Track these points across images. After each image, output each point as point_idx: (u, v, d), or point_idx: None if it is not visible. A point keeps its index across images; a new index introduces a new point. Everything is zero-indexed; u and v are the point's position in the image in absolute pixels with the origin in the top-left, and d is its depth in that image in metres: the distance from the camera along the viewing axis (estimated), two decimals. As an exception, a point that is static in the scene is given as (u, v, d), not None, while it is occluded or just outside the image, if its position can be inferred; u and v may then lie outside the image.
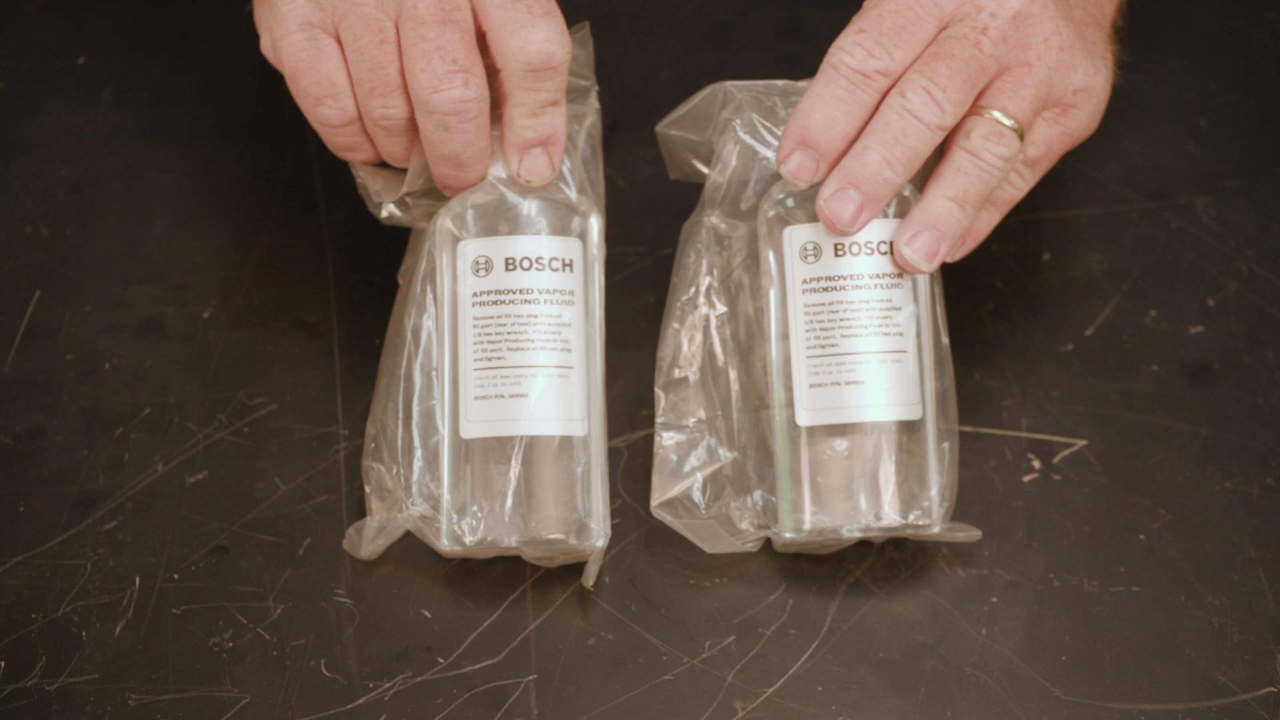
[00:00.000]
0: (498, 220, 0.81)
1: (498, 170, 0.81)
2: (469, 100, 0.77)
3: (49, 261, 0.92)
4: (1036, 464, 0.86)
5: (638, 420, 0.86)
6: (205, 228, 0.94)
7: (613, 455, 0.85)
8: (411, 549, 0.82)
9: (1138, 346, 0.90)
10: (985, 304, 0.91)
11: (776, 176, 0.82)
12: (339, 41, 0.79)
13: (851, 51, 0.78)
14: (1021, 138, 0.79)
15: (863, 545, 0.83)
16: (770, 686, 0.79)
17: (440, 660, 0.80)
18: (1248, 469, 0.86)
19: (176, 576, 0.82)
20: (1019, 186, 0.83)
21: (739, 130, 0.83)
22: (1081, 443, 0.86)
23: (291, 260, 0.92)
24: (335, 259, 0.92)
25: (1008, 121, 0.78)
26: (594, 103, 0.85)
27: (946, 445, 0.80)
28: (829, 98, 0.78)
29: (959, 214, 0.79)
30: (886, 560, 0.83)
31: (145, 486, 0.85)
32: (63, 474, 0.85)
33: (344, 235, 0.93)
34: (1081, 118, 0.82)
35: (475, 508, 0.79)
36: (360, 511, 0.83)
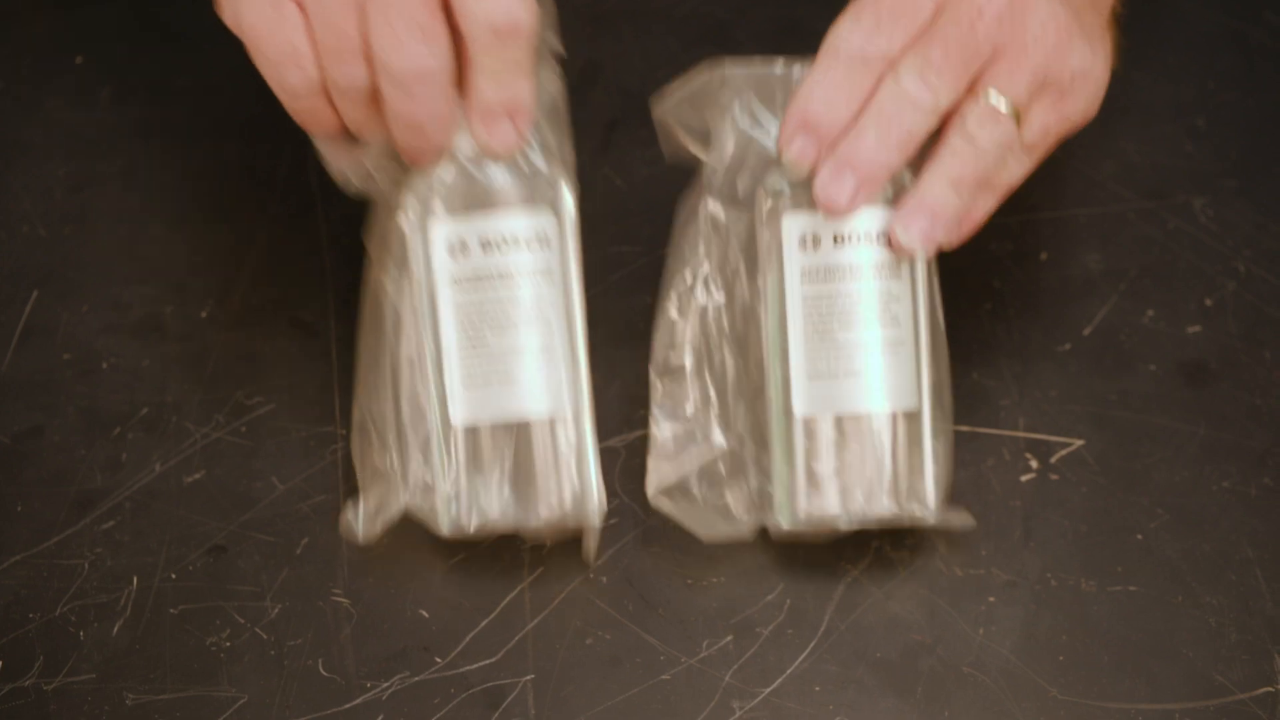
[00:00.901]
0: (468, 199, 0.80)
1: (464, 144, 0.80)
2: (431, 63, 0.76)
3: (47, 261, 0.92)
4: (1034, 464, 0.86)
5: (635, 420, 0.86)
6: (203, 227, 0.94)
7: (611, 455, 0.85)
8: (409, 548, 0.82)
9: (1135, 346, 0.90)
10: (983, 304, 0.91)
11: (775, 162, 0.82)
12: (302, 9, 0.78)
13: (849, 36, 0.78)
14: (1019, 121, 0.79)
15: (860, 543, 0.83)
16: (768, 686, 0.79)
17: (438, 660, 0.80)
18: (1245, 469, 0.86)
19: (174, 576, 0.82)
20: (1016, 171, 0.82)
21: (737, 114, 0.82)
22: (1079, 442, 0.86)
23: (289, 260, 0.92)
24: (333, 258, 0.92)
25: (1003, 105, 0.78)
26: (554, 65, 0.83)
27: (942, 435, 0.80)
28: (829, 82, 0.78)
29: (954, 197, 0.79)
30: (884, 559, 0.83)
31: (143, 486, 0.85)
32: (60, 474, 0.85)
33: (342, 235, 0.93)
34: (1080, 102, 0.81)
35: (469, 489, 0.79)
36: (358, 511, 0.83)
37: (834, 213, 0.78)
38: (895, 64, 0.78)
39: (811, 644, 0.80)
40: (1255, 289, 0.92)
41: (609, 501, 0.83)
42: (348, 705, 0.78)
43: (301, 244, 0.93)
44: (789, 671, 0.80)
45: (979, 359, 0.89)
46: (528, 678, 0.79)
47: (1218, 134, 0.97)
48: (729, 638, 0.81)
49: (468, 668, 0.79)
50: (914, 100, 0.77)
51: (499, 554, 0.82)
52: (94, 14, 1.02)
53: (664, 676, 0.80)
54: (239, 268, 0.92)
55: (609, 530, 0.83)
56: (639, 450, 0.85)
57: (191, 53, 1.00)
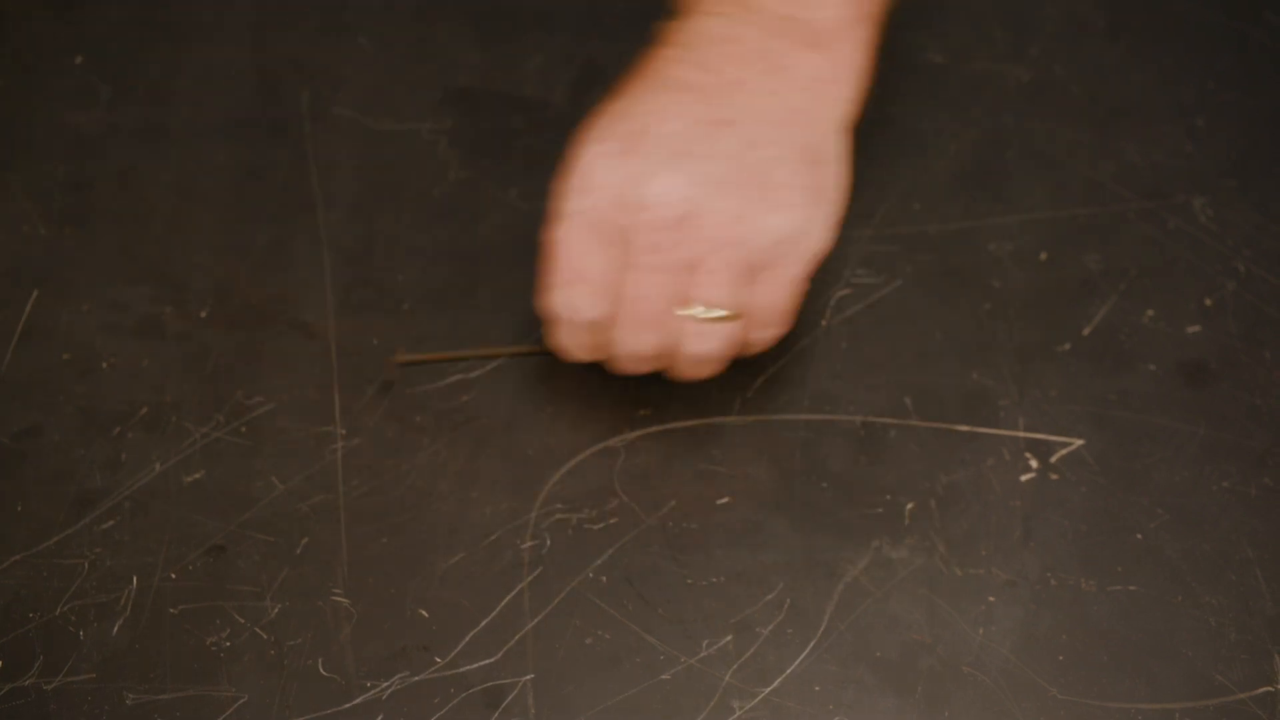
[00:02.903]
0: None
1: None
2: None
3: (47, 261, 0.92)
4: (1034, 464, 0.86)
5: (635, 420, 0.86)
6: (203, 227, 0.94)
7: (610, 455, 0.85)
8: (410, 547, 0.82)
9: (1135, 346, 0.90)
10: (982, 304, 0.91)
11: None
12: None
13: (567, 307, 0.81)
14: (737, 316, 0.80)
15: (860, 543, 0.83)
16: (767, 686, 0.79)
17: (437, 660, 0.80)
18: (1245, 469, 0.86)
19: (174, 576, 0.82)
20: (766, 336, 0.83)
21: None
22: (1079, 442, 0.86)
23: (289, 260, 0.92)
24: (332, 259, 0.92)
25: (714, 313, 0.80)
26: None
27: None
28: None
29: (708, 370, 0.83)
30: (884, 559, 0.83)
31: (143, 486, 0.85)
32: (60, 473, 0.85)
33: (341, 235, 0.93)
34: (794, 264, 0.81)
35: None
36: (357, 512, 0.83)
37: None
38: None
39: (811, 644, 0.80)
40: (1255, 289, 0.92)
41: (609, 501, 0.83)
42: (347, 705, 0.78)
43: (301, 244, 0.93)
44: (789, 671, 0.80)
45: (978, 359, 0.89)
46: (527, 677, 0.79)
47: (1218, 134, 0.97)
48: (729, 637, 0.81)
49: (467, 667, 0.79)
50: (635, 353, 0.81)
51: (499, 554, 0.82)
52: (94, 14, 1.02)
53: (664, 676, 0.80)
54: (238, 268, 0.92)
55: (609, 530, 0.83)
56: (639, 450, 0.85)
57: (191, 53, 1.00)
